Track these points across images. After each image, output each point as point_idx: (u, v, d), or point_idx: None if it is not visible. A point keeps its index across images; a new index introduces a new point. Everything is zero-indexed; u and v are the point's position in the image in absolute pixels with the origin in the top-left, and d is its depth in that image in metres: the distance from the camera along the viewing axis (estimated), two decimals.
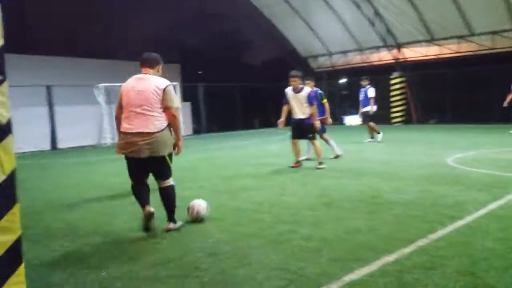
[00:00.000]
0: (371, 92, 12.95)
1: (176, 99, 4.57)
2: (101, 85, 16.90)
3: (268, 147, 13.23)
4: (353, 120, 24.48)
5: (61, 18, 23.27)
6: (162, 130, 4.32)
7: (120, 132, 4.47)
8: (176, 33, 27.43)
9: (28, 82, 15.87)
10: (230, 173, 8.15)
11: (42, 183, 8.22)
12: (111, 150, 14.32)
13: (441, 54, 19.98)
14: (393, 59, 21.34)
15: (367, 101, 13.05)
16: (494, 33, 17.80)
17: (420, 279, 2.98)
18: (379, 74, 23.06)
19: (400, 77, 21.06)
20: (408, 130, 17.75)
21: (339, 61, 24.01)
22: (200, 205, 4.85)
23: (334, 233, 4.08)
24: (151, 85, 4.37)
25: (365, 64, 23.12)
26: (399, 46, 21.15)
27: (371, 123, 13.04)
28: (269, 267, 3.32)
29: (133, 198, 5.36)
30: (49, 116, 16.63)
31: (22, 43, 19.59)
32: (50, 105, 16.64)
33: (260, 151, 12.23)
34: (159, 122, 4.32)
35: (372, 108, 12.91)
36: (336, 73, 25.35)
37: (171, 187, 4.56)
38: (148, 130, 4.25)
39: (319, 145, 8.48)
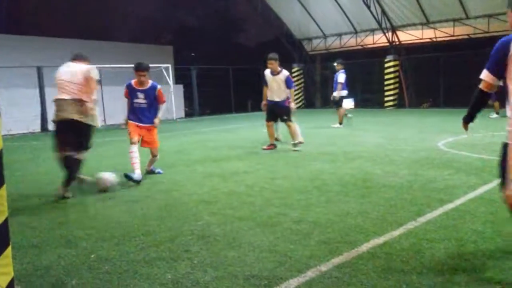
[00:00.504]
0: (340, 77, 12.82)
1: None
2: (94, 66, 16.71)
3: (261, 130, 13.20)
4: (347, 103, 24.50)
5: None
6: None
7: None
8: (169, 14, 27.07)
9: (18, 63, 15.68)
10: (222, 156, 8.14)
11: (32, 165, 8.16)
12: (102, 132, 14.26)
13: (436, 38, 19.92)
14: (388, 42, 21.24)
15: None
16: (489, 16, 17.74)
17: (409, 262, 3.00)
18: (373, 57, 23.04)
19: (394, 60, 21.00)
20: (401, 114, 17.78)
21: (333, 43, 23.87)
22: (110, 176, 5.61)
23: (324, 216, 4.10)
24: None
25: (359, 47, 23.04)
26: (394, 29, 21.05)
27: (341, 110, 12.95)
28: (259, 249, 3.33)
29: (123, 181, 5.37)
30: (40, 97, 16.43)
31: (13, 24, 19.28)
32: (41, 87, 16.43)
33: (253, 134, 12.21)
34: None
35: (339, 93, 12.78)
36: (331, 56, 25.23)
37: None
38: None
39: (294, 126, 8.55)
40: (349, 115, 13.37)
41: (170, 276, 2.92)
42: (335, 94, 12.88)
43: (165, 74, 17.57)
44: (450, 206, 4.30)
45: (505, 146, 2.67)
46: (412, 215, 4.03)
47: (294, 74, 25.20)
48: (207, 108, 23.10)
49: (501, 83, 2.80)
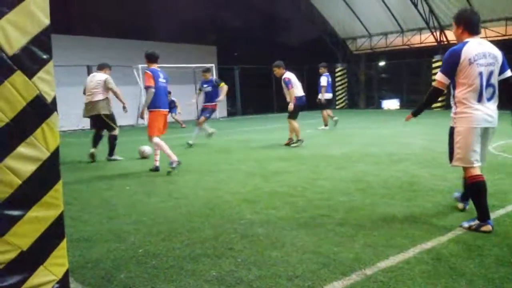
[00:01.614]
0: (323, 80, 13.05)
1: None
2: (140, 66, 17.20)
3: (303, 131, 13.15)
4: (391, 104, 23.98)
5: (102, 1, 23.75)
6: None
7: None
8: (213, 14, 27.40)
9: (69, 62, 16.34)
10: (264, 156, 8.17)
11: (82, 160, 8.50)
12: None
13: (487, 37, 19.09)
14: (436, 42, 20.57)
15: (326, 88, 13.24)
16: None
17: (457, 268, 2.91)
18: (420, 57, 22.40)
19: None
20: (449, 116, 17.13)
21: (378, 43, 23.40)
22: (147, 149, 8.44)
23: (369, 219, 4.04)
24: None
25: (406, 47, 22.46)
26: (442, 28, 20.37)
27: (324, 112, 13.29)
28: (302, 250, 3.32)
29: (168, 177, 5.50)
30: None
31: (64, 24, 20.11)
32: None
33: None
34: None
35: (323, 96, 13.05)
36: (376, 55, 24.78)
37: None
38: None
39: (294, 124, 9.68)
40: (335, 118, 13.60)
41: (215, 273, 2.97)
42: (320, 97, 13.18)
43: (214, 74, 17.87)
44: (501, 212, 4.14)
45: (451, 129, 3.95)
46: (461, 220, 3.89)
47: (337, 74, 24.91)
48: (250, 108, 23.21)
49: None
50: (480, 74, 3.64)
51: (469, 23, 3.75)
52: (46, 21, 2.24)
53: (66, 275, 2.45)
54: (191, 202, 4.90)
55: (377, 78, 25.74)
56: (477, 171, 3.80)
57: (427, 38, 20.99)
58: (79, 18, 24.36)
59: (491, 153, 7.53)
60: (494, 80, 3.75)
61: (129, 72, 17.33)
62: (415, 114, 4.29)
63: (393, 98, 24.06)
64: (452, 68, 3.69)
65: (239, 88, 22.00)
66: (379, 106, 24.12)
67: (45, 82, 2.26)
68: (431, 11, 19.85)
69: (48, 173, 2.30)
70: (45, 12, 2.24)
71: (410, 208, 4.37)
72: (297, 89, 9.76)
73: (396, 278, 2.80)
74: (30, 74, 2.20)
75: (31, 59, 2.20)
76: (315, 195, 5.02)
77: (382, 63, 25.20)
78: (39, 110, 2.25)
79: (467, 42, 3.68)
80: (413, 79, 23.06)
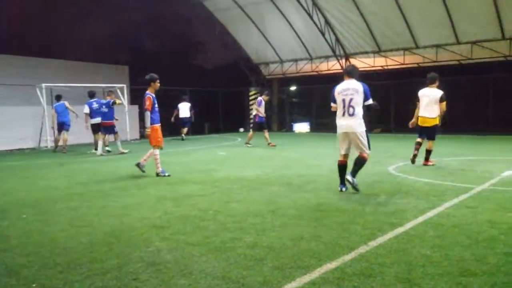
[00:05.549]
0: (257, 103, 14.74)
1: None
2: (44, 85, 16.15)
3: (217, 153, 13.15)
4: (302, 127, 24.95)
5: (4, 14, 22.13)
6: None
7: None
8: (126, 34, 26.76)
9: None
10: (176, 179, 8.00)
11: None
12: (52, 154, 13.71)
13: (388, 65, 20.77)
14: (342, 69, 21.88)
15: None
16: (437, 46, 18.74)
17: (360, 287, 3.02)
18: (328, 83, 23.66)
19: None
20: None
21: (290, 68, 24.36)
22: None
23: (279, 241, 4.07)
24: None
25: (314, 73, 23.61)
26: (347, 56, 21.77)
27: (251, 132, 15.03)
28: (211, 276, 3.24)
29: (70, 203, 5.18)
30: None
31: None
32: None
33: (208, 157, 12.12)
34: None
35: (254, 118, 14.89)
36: (287, 80, 25.72)
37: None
38: None
39: (251, 134, 14.69)
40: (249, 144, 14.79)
41: None
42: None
43: (120, 94, 17.20)
44: (400, 230, 4.39)
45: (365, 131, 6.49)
46: (364, 239, 4.08)
47: (251, 98, 25.45)
48: (163, 130, 22.70)
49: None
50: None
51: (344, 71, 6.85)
52: None
53: None
54: (94, 230, 4.61)
55: (289, 102, 26.69)
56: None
57: (334, 65, 22.28)
58: None
59: (392, 174, 8.08)
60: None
61: (32, 91, 16.19)
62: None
63: (304, 122, 25.06)
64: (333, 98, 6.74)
65: None
66: (290, 129, 24.94)
67: None
68: (338, 40, 21.16)
69: None
70: None
71: (317, 228, 4.49)
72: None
73: None
74: None
75: None
76: (227, 218, 4.98)
77: (293, 88, 26.21)
78: None
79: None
80: (322, 104, 24.23)
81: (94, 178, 8.36)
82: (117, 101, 13.66)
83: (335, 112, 6.62)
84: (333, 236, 4.19)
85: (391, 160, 10.00)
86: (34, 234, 4.52)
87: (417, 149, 9.13)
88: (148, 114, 8.28)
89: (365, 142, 6.41)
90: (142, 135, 21.46)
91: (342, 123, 6.40)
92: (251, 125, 15.79)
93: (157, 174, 8.39)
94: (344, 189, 6.44)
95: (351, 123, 6.29)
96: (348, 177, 6.34)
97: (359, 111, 6.29)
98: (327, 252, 3.74)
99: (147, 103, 8.23)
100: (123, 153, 13.06)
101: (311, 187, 6.93)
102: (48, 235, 4.45)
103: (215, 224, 4.75)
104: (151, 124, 8.42)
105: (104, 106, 13.44)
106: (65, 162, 11.46)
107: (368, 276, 3.19)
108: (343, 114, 6.37)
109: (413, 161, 9.16)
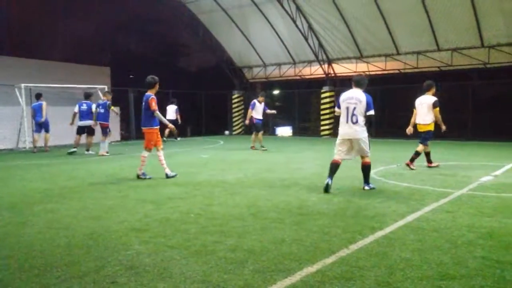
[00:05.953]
0: (251, 106, 14.82)
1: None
2: (23, 85, 15.84)
3: (199, 156, 13.07)
4: (284, 131, 25.01)
5: None
6: None
7: None
8: (108, 35, 26.43)
9: None
10: (157, 182, 7.92)
11: None
12: (30, 155, 13.44)
13: (369, 71, 21.00)
14: (324, 74, 22.07)
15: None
16: (418, 53, 19.04)
17: None
18: (311, 88, 23.82)
19: (330, 91, 21.79)
20: (335, 142, 18.25)
21: (273, 72, 24.42)
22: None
23: (259, 244, 4.05)
24: None
25: (297, 77, 23.73)
26: (330, 61, 21.94)
27: (254, 136, 15.08)
28: (190, 280, 3.20)
29: (47, 205, 5.07)
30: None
31: None
32: None
33: (190, 160, 12.04)
34: None
35: (251, 121, 14.94)
36: (270, 84, 25.78)
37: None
38: None
39: (254, 136, 14.79)
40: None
41: None
42: (246, 122, 15.27)
43: (101, 95, 16.96)
44: (380, 233, 4.42)
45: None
46: (345, 242, 4.09)
47: (234, 101, 25.43)
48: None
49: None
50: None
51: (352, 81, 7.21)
52: None
53: None
54: (72, 232, 4.51)
55: (273, 106, 26.73)
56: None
57: (317, 70, 22.42)
58: None
59: (372, 178, 8.14)
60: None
61: (11, 91, 15.86)
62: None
63: (286, 126, 25.12)
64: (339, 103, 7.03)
65: (133, 111, 21.10)
66: (273, 133, 24.98)
67: None
68: (321, 45, 21.31)
69: None
70: None
71: (298, 231, 4.49)
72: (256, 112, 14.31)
73: None
74: None
75: None
76: (208, 221, 4.94)
77: (276, 92, 26.27)
78: None
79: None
80: (304, 108, 24.35)
81: (73, 180, 8.22)
82: (113, 108, 13.58)
83: (336, 118, 7.30)
84: (314, 239, 4.19)
85: (372, 164, 10.04)
86: (10, 237, 4.41)
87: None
88: (158, 113, 8.34)
89: (368, 146, 6.89)
90: (124, 137, 21.30)
91: (346, 130, 6.79)
92: (253, 129, 15.20)
93: (138, 176, 8.29)
94: (330, 182, 6.71)
95: (355, 130, 6.71)
96: (366, 187, 6.91)
97: (362, 119, 6.73)
98: (308, 255, 3.73)
99: (154, 104, 8.22)
100: (103, 155, 12.88)
101: (293, 190, 6.93)
102: (24, 238, 4.34)
103: (196, 227, 4.71)
104: (152, 126, 8.38)
105: (100, 107, 13.22)
106: (43, 163, 11.24)
107: (348, 279, 3.20)
108: (347, 121, 6.74)
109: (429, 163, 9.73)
